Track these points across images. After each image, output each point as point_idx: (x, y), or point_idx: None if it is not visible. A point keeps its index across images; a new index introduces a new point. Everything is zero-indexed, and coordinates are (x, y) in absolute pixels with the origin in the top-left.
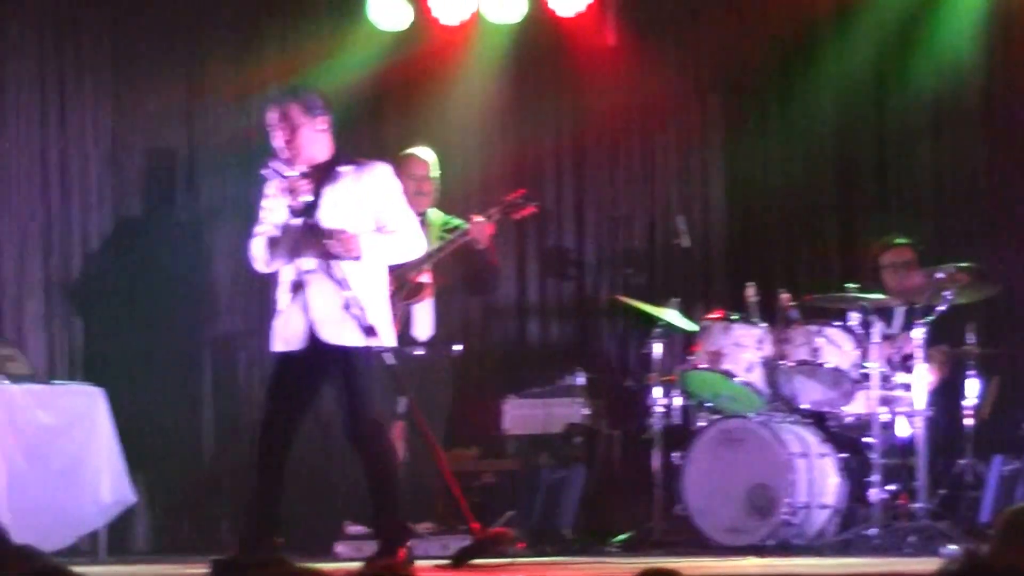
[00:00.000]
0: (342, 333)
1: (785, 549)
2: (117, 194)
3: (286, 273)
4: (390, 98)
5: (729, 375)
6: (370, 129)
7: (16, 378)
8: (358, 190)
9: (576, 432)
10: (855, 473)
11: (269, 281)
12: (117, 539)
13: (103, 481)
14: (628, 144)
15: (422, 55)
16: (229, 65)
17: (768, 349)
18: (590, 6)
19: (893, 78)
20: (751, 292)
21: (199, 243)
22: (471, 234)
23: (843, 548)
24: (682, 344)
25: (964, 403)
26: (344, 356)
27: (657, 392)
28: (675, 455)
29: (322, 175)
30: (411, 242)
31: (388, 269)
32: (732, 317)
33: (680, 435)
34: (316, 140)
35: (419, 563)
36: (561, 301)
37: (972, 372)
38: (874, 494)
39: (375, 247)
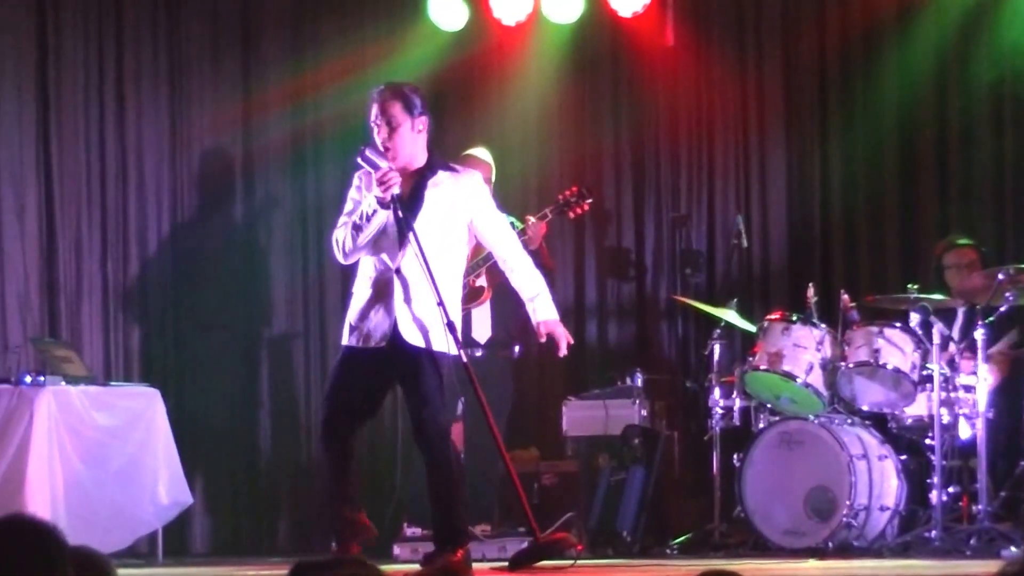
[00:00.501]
0: (424, 336)
1: (845, 551)
2: (174, 195)
3: (367, 267)
4: (449, 98)
5: (789, 376)
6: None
7: (73, 379)
8: (454, 196)
9: (635, 433)
10: (916, 475)
11: (326, 280)
12: (175, 541)
13: (160, 482)
14: (687, 144)
15: (481, 55)
16: (286, 64)
17: (828, 350)
18: (648, 6)
19: (954, 77)
20: (811, 293)
21: (255, 243)
22: (526, 234)
23: (903, 551)
24: (742, 345)
25: None
26: (421, 359)
27: (716, 393)
28: (735, 457)
29: (419, 178)
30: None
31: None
32: (792, 318)
33: (740, 437)
34: (415, 141)
35: (476, 565)
36: (620, 302)
37: None
38: (935, 496)
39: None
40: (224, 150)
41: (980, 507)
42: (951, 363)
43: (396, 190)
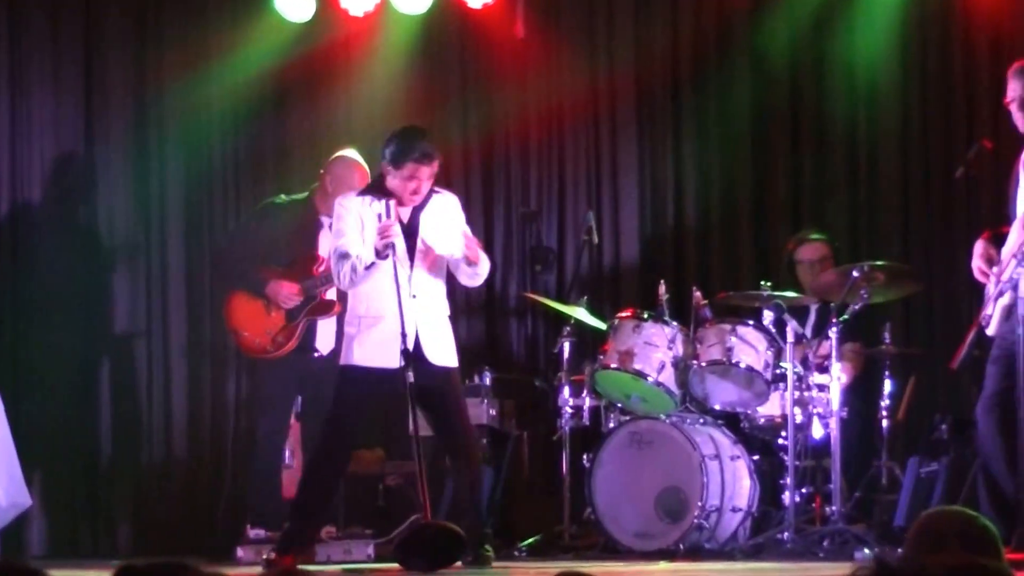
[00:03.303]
0: (444, 354)
1: (696, 554)
2: (13, 192)
3: (377, 292)
4: (295, 91)
5: (640, 375)
6: (274, 122)
7: None
8: (442, 217)
9: (483, 433)
10: (768, 476)
11: (168, 280)
12: (11, 543)
13: None
14: (537, 139)
15: (328, 47)
16: (128, 59)
17: (680, 348)
18: None
19: (809, 74)
20: (662, 290)
21: (97, 243)
22: None
23: (755, 552)
24: (592, 343)
25: (880, 404)
26: (449, 375)
27: (566, 392)
28: (584, 457)
29: (415, 208)
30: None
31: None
32: (643, 316)
33: (590, 436)
34: None
35: (322, 568)
36: (468, 299)
37: (888, 372)
38: (787, 497)
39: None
40: (65, 146)
41: (833, 508)
42: (804, 362)
43: (394, 241)
